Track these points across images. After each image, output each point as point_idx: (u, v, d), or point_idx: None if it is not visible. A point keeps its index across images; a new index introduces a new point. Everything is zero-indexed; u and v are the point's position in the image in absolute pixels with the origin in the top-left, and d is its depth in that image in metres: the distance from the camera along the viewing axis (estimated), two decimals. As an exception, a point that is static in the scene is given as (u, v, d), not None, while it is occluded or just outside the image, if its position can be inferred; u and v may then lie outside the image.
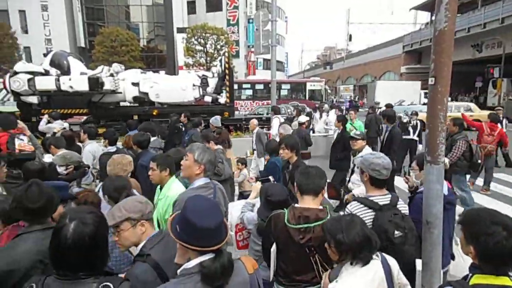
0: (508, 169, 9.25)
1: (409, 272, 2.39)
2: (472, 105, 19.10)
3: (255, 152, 7.74)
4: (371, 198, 2.54)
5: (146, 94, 12.77)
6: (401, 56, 40.49)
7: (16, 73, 11.93)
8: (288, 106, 19.86)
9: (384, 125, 7.13)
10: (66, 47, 30.32)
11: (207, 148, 2.80)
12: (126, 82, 12.79)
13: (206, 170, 2.66)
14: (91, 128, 5.88)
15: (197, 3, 40.98)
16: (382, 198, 2.54)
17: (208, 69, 20.83)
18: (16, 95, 12.14)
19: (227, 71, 13.27)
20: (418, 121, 9.18)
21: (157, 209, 2.91)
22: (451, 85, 2.23)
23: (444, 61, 2.17)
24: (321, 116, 14.36)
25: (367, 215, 2.46)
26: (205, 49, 30.54)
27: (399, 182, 5.90)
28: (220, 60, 14.35)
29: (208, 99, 13.38)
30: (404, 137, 9.24)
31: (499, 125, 7.83)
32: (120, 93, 12.77)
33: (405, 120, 10.28)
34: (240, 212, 3.12)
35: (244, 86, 27.72)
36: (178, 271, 1.53)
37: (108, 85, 12.21)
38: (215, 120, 7.92)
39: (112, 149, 5.01)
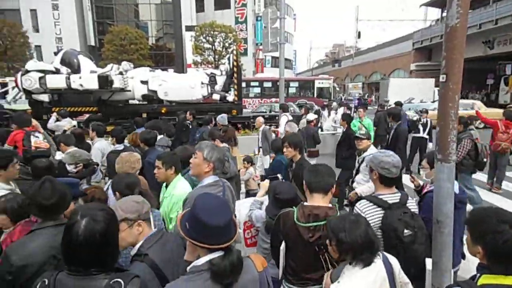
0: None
1: (418, 271, 2.38)
2: (478, 103, 18.83)
3: (261, 150, 7.74)
4: (380, 197, 2.53)
5: (155, 92, 12.84)
6: (410, 53, 40.01)
7: (27, 71, 12.09)
8: (292, 104, 19.83)
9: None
10: (77, 46, 30.72)
11: (215, 146, 2.81)
12: (135, 80, 12.87)
13: (215, 168, 2.68)
14: (99, 126, 5.93)
15: (205, 1, 41.05)
16: (391, 196, 2.53)
17: (217, 67, 20.84)
18: (28, 93, 12.31)
19: (235, 69, 13.26)
20: (428, 119, 9.08)
21: (162, 207, 2.93)
22: (462, 83, 2.20)
23: (455, 58, 2.14)
24: (329, 114, 14.32)
25: (376, 214, 2.45)
26: (213, 47, 30.57)
27: (408, 180, 5.87)
28: (228, 58, 14.33)
29: (216, 97, 13.39)
30: (414, 135, 9.18)
31: None
32: (129, 91, 12.85)
33: (415, 118, 10.17)
34: (248, 210, 3.13)
35: (252, 84, 27.66)
36: (188, 268, 1.54)
37: (117, 83, 12.30)
38: (222, 119, 7.92)
39: (119, 147, 5.05)
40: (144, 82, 12.85)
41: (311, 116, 8.65)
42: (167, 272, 1.82)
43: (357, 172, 4.67)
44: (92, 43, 38.11)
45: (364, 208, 2.50)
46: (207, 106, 13.43)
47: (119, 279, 1.44)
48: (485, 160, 6.01)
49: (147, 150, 4.74)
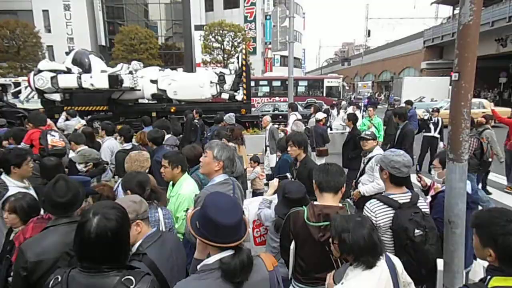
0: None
1: (429, 271, 2.35)
2: (485, 102, 18.53)
3: (268, 148, 7.74)
4: (390, 196, 2.51)
5: (164, 91, 12.92)
6: (421, 51, 39.52)
7: (40, 71, 12.28)
8: (297, 104, 19.77)
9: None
10: (88, 46, 31.06)
11: (226, 145, 2.82)
12: (145, 80, 12.97)
13: (225, 167, 2.69)
14: (108, 124, 5.98)
15: (214, 0, 41.11)
16: (402, 196, 2.50)
17: (225, 66, 20.92)
18: (40, 92, 12.51)
19: (244, 68, 13.26)
20: (439, 118, 8.97)
21: (168, 206, 2.95)
22: (474, 81, 2.17)
23: (468, 56, 2.11)
24: (338, 113, 14.24)
25: (387, 214, 2.44)
26: (222, 46, 30.62)
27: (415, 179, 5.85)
28: (237, 57, 14.35)
29: (225, 96, 13.41)
30: (425, 134, 9.07)
31: None
32: (139, 90, 12.96)
33: (425, 117, 10.06)
34: (257, 208, 3.13)
35: (261, 83, 27.63)
36: (198, 266, 1.55)
37: (127, 83, 12.42)
38: (229, 118, 7.93)
39: (127, 146, 5.09)
40: (154, 82, 12.94)
41: (320, 115, 8.62)
42: (165, 271, 1.83)
43: (362, 172, 4.61)
44: (103, 43, 38.51)
45: (374, 207, 2.48)
46: (216, 105, 13.47)
47: (130, 277, 1.45)
48: (490, 160, 5.94)
49: (155, 149, 4.77)
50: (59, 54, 31.42)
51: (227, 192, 2.61)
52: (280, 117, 16.85)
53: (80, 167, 4.24)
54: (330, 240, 1.93)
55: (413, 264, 2.32)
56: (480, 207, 3.94)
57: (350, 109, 12.86)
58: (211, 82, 13.05)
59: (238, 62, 13.75)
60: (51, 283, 1.48)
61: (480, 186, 6.46)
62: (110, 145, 5.45)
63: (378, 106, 21.87)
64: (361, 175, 4.65)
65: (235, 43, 30.52)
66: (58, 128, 8.36)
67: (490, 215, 1.53)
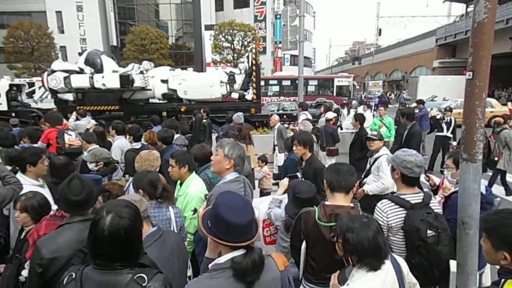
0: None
1: (442, 272, 2.33)
2: (493, 101, 18.19)
3: (276, 148, 7.72)
4: (402, 196, 2.48)
5: (175, 91, 13.00)
6: (433, 50, 38.98)
7: (53, 71, 12.48)
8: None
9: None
10: (99, 46, 31.46)
11: (236, 143, 2.84)
12: (156, 79, 13.07)
13: (236, 165, 2.71)
14: (118, 124, 6.04)
15: (224, 0, 41.23)
16: (414, 196, 2.48)
17: (235, 66, 20.91)
18: (54, 92, 12.70)
19: (254, 68, 13.26)
20: (452, 117, 8.84)
21: (175, 205, 2.97)
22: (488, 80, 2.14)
23: (483, 54, 2.08)
24: (348, 113, 14.13)
25: (399, 214, 2.41)
26: (232, 45, 30.68)
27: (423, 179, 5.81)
28: (247, 57, 14.34)
29: (235, 95, 13.44)
30: (437, 134, 8.96)
31: None
32: (150, 90, 13.07)
33: (438, 117, 9.92)
34: (267, 208, 3.13)
35: (271, 82, 27.62)
36: (210, 265, 1.56)
37: (138, 82, 12.53)
38: (237, 117, 7.93)
39: (137, 145, 5.13)
40: (164, 81, 13.03)
41: (330, 114, 8.58)
42: (165, 271, 1.81)
43: (368, 173, 4.57)
44: (114, 43, 38.96)
45: (385, 208, 2.46)
46: (226, 105, 13.51)
47: (142, 274, 1.47)
48: (496, 159, 5.87)
49: (164, 148, 4.81)
50: (72, 54, 31.92)
51: (239, 189, 2.63)
52: (285, 116, 16.83)
53: (91, 166, 4.30)
54: (335, 238, 1.93)
55: (425, 265, 2.30)
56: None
57: (360, 109, 12.74)
58: (221, 82, 13.09)
59: (248, 62, 13.75)
60: (65, 280, 1.51)
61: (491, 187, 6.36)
62: (120, 144, 5.51)
63: (389, 106, 21.61)
64: (366, 175, 4.61)
65: (245, 43, 30.55)
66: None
67: (501, 217, 1.49)
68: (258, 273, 1.50)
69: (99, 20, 36.71)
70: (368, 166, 4.66)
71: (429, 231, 2.30)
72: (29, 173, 3.16)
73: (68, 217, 2.05)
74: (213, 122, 12.12)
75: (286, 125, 8.53)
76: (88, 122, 9.10)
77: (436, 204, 2.57)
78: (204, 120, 8.76)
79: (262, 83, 21.40)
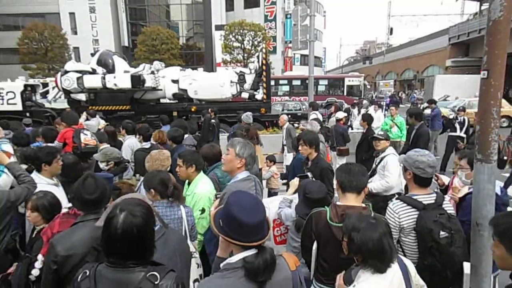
0: None
1: (455, 274, 2.29)
2: (503, 101, 17.77)
3: (285, 147, 7.72)
4: (414, 197, 2.46)
5: (185, 91, 13.06)
6: (446, 48, 38.39)
7: (66, 72, 12.67)
8: (305, 103, 19.63)
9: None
10: (111, 47, 31.85)
11: (247, 142, 2.84)
12: (166, 79, 13.16)
13: (247, 164, 2.72)
14: (128, 124, 6.10)
15: (235, 0, 41.31)
16: (426, 197, 2.45)
17: (246, 66, 20.96)
18: (67, 92, 12.90)
19: (264, 67, 13.25)
20: (465, 117, 8.70)
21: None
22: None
23: (498, 53, 2.05)
24: (359, 112, 14.01)
25: (411, 215, 2.39)
26: (242, 45, 30.72)
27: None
28: (258, 57, 14.34)
29: (245, 95, 13.45)
30: (450, 134, 8.83)
31: None
32: (161, 90, 13.15)
33: (451, 117, 9.78)
34: (277, 207, 3.13)
35: (281, 82, 27.56)
36: (221, 265, 1.56)
37: (149, 83, 12.63)
38: (246, 117, 7.93)
39: (146, 145, 5.16)
40: (175, 81, 13.11)
41: (340, 114, 8.54)
42: None
43: (373, 173, 4.53)
44: (126, 44, 39.39)
45: (397, 208, 2.44)
46: (236, 105, 13.53)
47: (155, 272, 1.48)
48: (505, 158, 5.77)
49: (175, 147, 4.85)
50: (85, 55, 32.37)
51: (250, 188, 2.64)
52: (289, 116, 16.80)
53: (102, 165, 4.35)
54: (341, 237, 1.92)
55: (438, 266, 2.28)
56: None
57: (371, 109, 12.63)
58: (231, 82, 13.11)
59: (258, 61, 13.74)
60: (79, 277, 1.53)
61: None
62: (130, 143, 5.56)
63: (400, 105, 21.34)
64: (372, 175, 4.57)
65: (255, 42, 30.54)
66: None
67: None
68: (270, 273, 1.49)
69: (111, 21, 37.16)
70: (374, 166, 4.63)
71: (442, 232, 2.27)
72: (44, 172, 3.21)
73: (82, 215, 2.08)
74: (223, 122, 12.16)
75: (296, 125, 8.49)
76: (98, 122, 9.21)
77: (449, 205, 2.53)
78: (213, 120, 8.79)
79: (272, 83, 21.35)
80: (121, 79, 12.42)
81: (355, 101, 19.82)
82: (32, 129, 7.18)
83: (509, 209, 3.03)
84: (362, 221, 1.81)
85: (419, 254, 2.36)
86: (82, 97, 13.11)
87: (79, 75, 12.47)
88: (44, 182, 3.11)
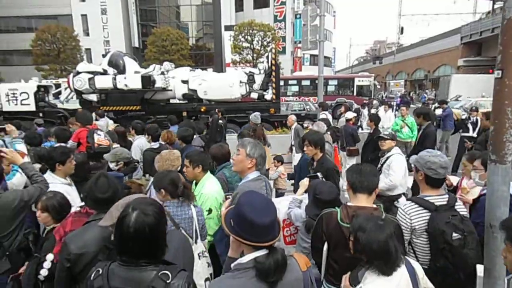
0: None
1: (468, 276, 2.26)
2: None
3: (294, 148, 7.69)
4: (426, 198, 2.43)
5: (195, 91, 13.13)
6: (458, 48, 37.86)
7: (78, 73, 12.85)
8: (308, 103, 19.55)
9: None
10: (122, 48, 32.22)
11: (257, 142, 2.85)
12: (176, 80, 13.24)
13: (257, 164, 2.72)
14: (138, 124, 6.13)
15: (244, 0, 41.37)
16: (438, 198, 2.42)
17: (255, 66, 20.95)
18: (79, 93, 13.09)
19: (273, 68, 13.24)
20: (478, 118, 8.57)
21: None
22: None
23: (513, 52, 2.01)
24: (369, 112, 13.92)
25: (422, 216, 2.36)
26: (251, 46, 30.75)
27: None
28: (267, 57, 14.32)
29: (254, 95, 13.46)
30: (462, 134, 8.70)
31: None
32: (171, 90, 13.24)
33: (463, 117, 9.63)
34: (286, 207, 3.13)
35: (290, 82, 27.48)
36: (232, 265, 1.57)
37: (159, 83, 12.73)
38: (254, 117, 7.92)
39: (155, 145, 5.18)
40: (185, 82, 13.19)
41: (350, 114, 8.48)
42: None
43: (379, 173, 4.49)
44: (136, 45, 39.79)
45: (409, 209, 2.41)
46: (245, 105, 13.55)
47: (167, 271, 1.50)
48: None
49: (184, 147, 4.87)
50: (96, 56, 32.82)
51: (261, 188, 2.65)
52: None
53: (112, 165, 4.40)
54: (348, 235, 1.91)
55: (450, 268, 2.25)
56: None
57: (381, 109, 12.52)
58: (240, 82, 13.13)
59: (267, 62, 13.73)
60: (92, 275, 1.55)
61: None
62: (139, 143, 5.59)
63: (411, 105, 21.09)
64: None
65: (265, 43, 30.55)
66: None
67: None
68: (281, 273, 1.49)
69: (122, 22, 37.59)
70: (379, 165, 4.59)
71: (454, 234, 2.24)
72: (58, 172, 3.25)
73: (95, 214, 2.11)
74: (232, 122, 12.17)
75: (305, 125, 8.47)
76: (107, 123, 9.30)
77: (461, 207, 2.50)
78: (220, 121, 8.81)
79: (282, 83, 21.31)
80: (131, 79, 12.54)
81: (365, 101, 19.68)
82: (43, 129, 7.30)
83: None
84: (369, 222, 1.80)
85: (431, 256, 2.34)
86: (93, 97, 13.27)
87: (91, 76, 12.64)
88: (58, 182, 3.15)
